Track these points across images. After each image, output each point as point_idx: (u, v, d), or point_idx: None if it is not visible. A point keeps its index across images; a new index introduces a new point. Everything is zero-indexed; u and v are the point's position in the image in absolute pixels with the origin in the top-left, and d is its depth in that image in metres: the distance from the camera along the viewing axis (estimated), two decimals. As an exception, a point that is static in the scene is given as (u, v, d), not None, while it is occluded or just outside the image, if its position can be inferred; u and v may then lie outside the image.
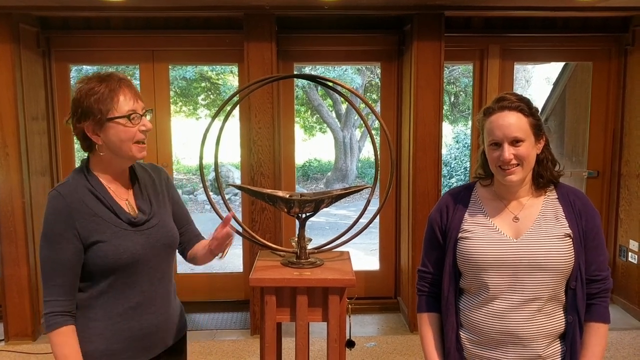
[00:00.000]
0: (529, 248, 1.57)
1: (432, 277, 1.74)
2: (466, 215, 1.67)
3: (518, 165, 1.55)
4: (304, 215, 2.11)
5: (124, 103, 1.55)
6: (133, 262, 1.59)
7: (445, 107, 11.83)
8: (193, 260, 1.87)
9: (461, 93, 13.24)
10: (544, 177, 1.63)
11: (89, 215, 1.55)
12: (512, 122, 1.54)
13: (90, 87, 1.55)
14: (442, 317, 1.71)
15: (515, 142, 1.54)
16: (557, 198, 1.64)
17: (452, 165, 10.88)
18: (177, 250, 1.80)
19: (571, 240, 1.58)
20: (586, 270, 1.60)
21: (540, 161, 1.62)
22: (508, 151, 1.53)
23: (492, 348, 1.61)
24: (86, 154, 1.65)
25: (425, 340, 1.73)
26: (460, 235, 1.65)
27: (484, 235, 1.61)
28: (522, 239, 1.59)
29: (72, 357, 1.53)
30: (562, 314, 1.60)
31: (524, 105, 1.56)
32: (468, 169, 8.22)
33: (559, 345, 1.61)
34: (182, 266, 6.17)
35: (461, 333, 1.67)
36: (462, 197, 1.71)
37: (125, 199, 1.65)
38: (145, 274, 1.63)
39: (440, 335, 1.73)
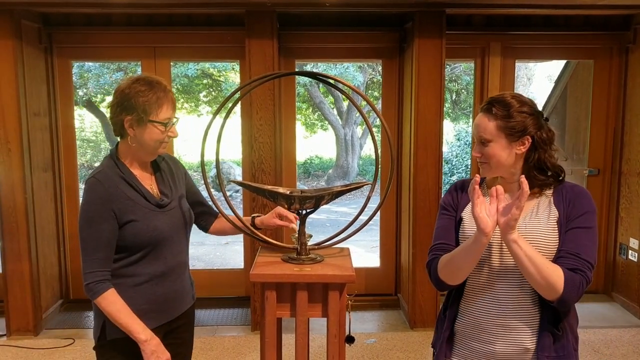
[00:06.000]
0: None
1: (439, 245, 1.73)
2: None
3: (486, 163, 1.65)
4: (304, 212, 2.12)
5: (165, 111, 1.84)
6: (161, 238, 1.86)
7: (446, 105, 11.83)
8: (219, 233, 2.19)
9: (462, 91, 13.23)
10: (533, 181, 1.61)
11: (124, 198, 1.80)
12: (479, 123, 1.65)
13: (141, 89, 1.79)
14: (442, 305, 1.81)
15: (482, 141, 1.64)
16: (553, 193, 1.66)
17: (454, 163, 10.88)
18: (195, 227, 2.14)
19: (557, 229, 1.58)
20: (559, 249, 1.56)
21: (528, 163, 1.63)
22: (475, 149, 1.68)
23: (481, 333, 1.66)
24: (107, 148, 1.81)
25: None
26: (462, 215, 1.72)
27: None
28: None
29: (124, 309, 1.78)
30: (550, 309, 1.60)
31: (497, 109, 1.60)
32: (469, 167, 8.21)
33: (547, 339, 1.61)
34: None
35: (456, 321, 1.73)
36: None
37: (149, 184, 1.91)
38: (168, 248, 1.89)
39: None
